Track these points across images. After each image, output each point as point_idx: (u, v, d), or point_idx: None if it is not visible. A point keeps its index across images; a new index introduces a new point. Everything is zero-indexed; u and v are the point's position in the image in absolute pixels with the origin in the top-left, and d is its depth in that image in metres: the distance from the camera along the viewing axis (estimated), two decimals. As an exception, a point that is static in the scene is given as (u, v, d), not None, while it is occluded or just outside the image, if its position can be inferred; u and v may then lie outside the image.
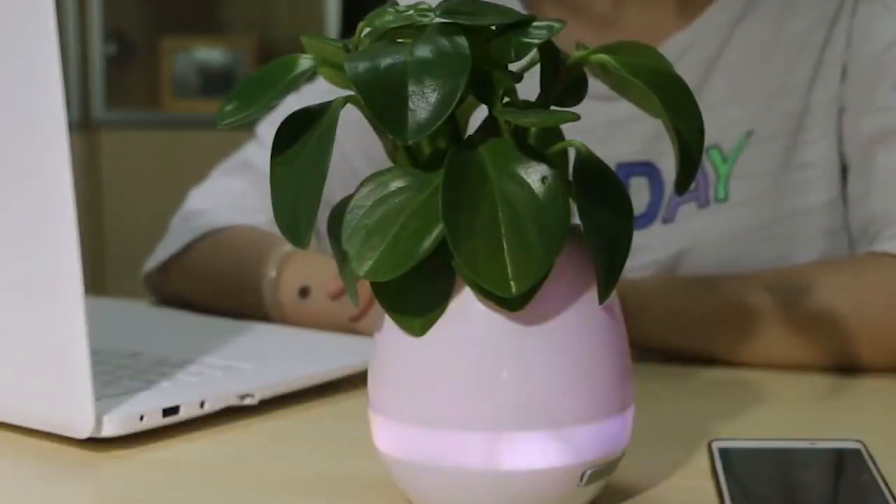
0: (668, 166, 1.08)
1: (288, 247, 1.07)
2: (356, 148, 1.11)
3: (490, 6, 0.60)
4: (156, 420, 0.77)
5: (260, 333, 1.02)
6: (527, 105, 0.60)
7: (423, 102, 0.55)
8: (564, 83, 0.61)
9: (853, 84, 1.07)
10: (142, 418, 0.76)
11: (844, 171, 1.07)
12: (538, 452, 0.58)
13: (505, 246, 0.55)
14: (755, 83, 1.08)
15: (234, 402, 0.82)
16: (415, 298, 0.59)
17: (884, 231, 1.02)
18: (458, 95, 0.55)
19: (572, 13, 1.10)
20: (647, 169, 1.09)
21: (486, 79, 0.59)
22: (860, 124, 1.06)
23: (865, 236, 1.05)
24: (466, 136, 0.60)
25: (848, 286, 0.96)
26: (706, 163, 1.07)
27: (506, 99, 0.60)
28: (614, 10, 1.11)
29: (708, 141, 1.05)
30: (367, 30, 0.60)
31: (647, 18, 1.11)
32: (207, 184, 1.24)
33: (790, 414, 0.85)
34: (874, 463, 0.65)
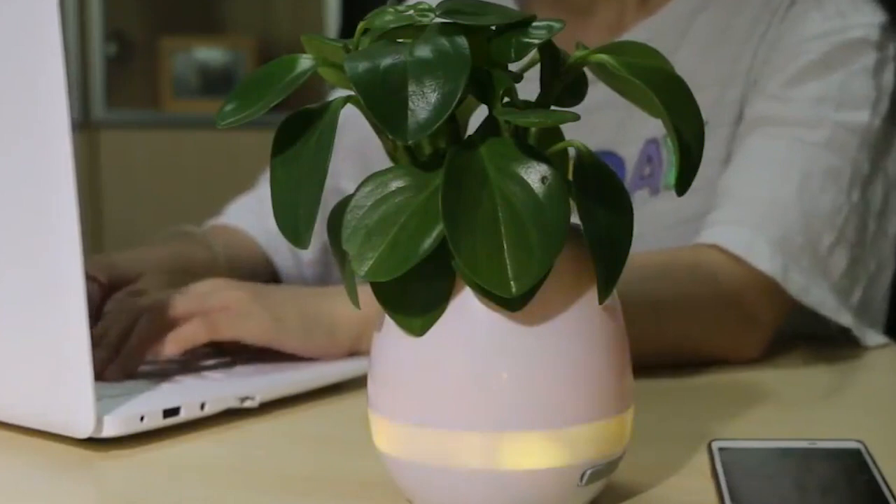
0: (630, 154, 1.12)
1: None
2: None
3: (490, 6, 0.60)
4: (156, 421, 0.77)
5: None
6: (527, 105, 0.60)
7: (423, 102, 0.55)
8: (564, 83, 0.61)
9: (766, 68, 1.09)
10: (142, 419, 0.76)
11: None
12: (538, 452, 0.58)
13: (505, 246, 0.55)
14: (709, 73, 1.10)
15: (234, 404, 0.82)
16: (415, 298, 0.59)
17: (717, 209, 1.03)
18: (458, 95, 0.55)
19: (553, 3, 1.15)
20: (612, 158, 1.12)
21: (486, 79, 0.59)
22: (749, 105, 1.09)
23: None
24: (466, 136, 0.60)
25: (667, 278, 0.97)
26: (661, 149, 1.10)
27: (506, 99, 0.60)
28: (588, 2, 1.16)
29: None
30: (367, 30, 0.60)
31: (616, 10, 1.16)
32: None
33: (790, 414, 0.85)
34: (874, 463, 0.65)
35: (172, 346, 0.88)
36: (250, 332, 0.90)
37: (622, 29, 1.15)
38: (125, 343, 0.88)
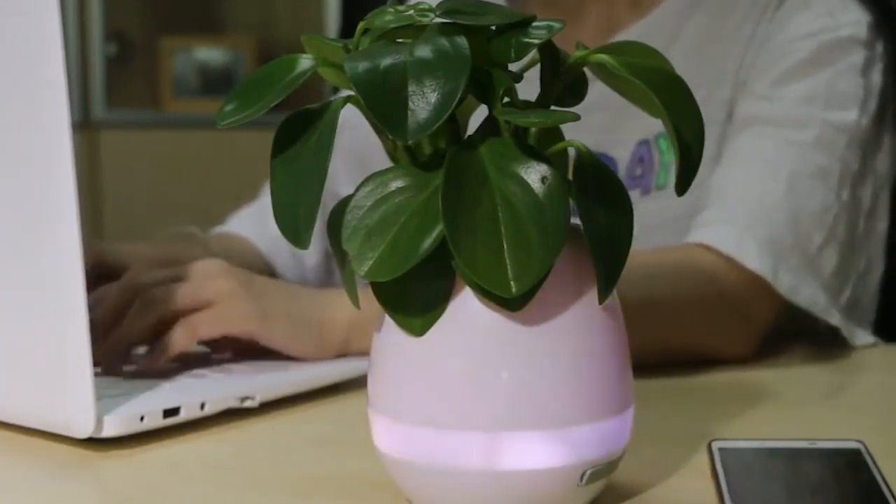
0: (622, 156, 1.13)
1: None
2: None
3: (490, 6, 0.60)
4: (156, 421, 0.77)
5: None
6: (527, 105, 0.60)
7: (423, 102, 0.55)
8: (564, 83, 0.61)
9: (755, 68, 1.09)
10: (142, 419, 0.76)
11: None
12: (538, 452, 0.58)
13: (505, 246, 0.55)
14: (699, 73, 1.10)
15: (234, 404, 0.82)
16: (415, 298, 0.59)
17: (706, 209, 1.03)
18: (458, 95, 0.55)
19: (545, 5, 1.16)
20: (604, 159, 1.11)
21: (486, 79, 0.59)
22: (739, 105, 1.09)
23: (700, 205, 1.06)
24: (466, 136, 0.60)
25: (655, 276, 0.96)
26: (653, 150, 1.10)
27: (506, 99, 0.60)
28: (579, 2, 1.16)
29: (657, 129, 1.08)
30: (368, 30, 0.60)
31: (608, 10, 1.16)
32: None
33: (790, 414, 0.85)
34: (874, 463, 0.65)
35: (158, 357, 0.88)
36: (235, 326, 0.90)
37: (613, 29, 1.15)
38: (113, 326, 0.89)
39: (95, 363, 0.87)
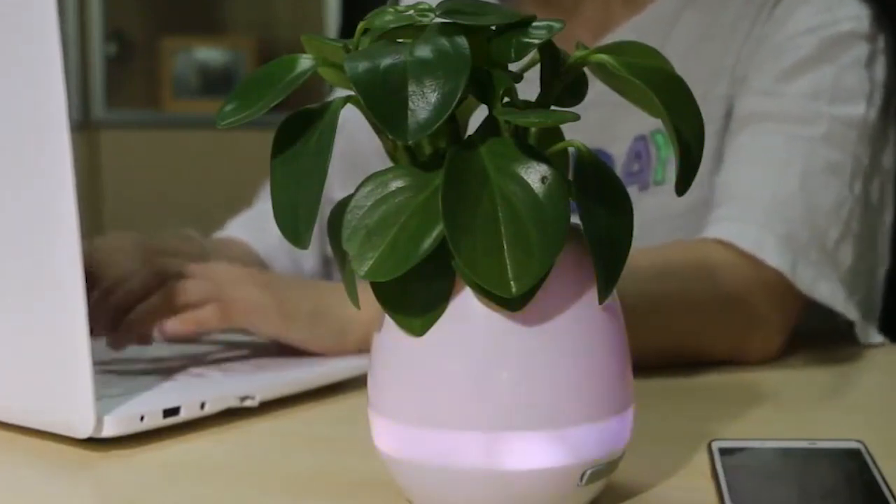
0: (619, 152, 1.13)
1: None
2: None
3: (490, 6, 0.60)
4: (156, 421, 0.77)
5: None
6: (527, 105, 0.60)
7: (423, 102, 0.55)
8: (564, 83, 0.61)
9: (755, 65, 1.09)
10: (142, 419, 0.76)
11: None
12: (538, 452, 0.58)
13: (505, 246, 0.55)
14: (695, 70, 1.10)
15: (234, 403, 0.82)
16: (415, 298, 0.59)
17: (719, 207, 1.03)
18: (458, 95, 0.55)
19: (540, 3, 1.16)
20: (602, 155, 1.12)
21: (486, 79, 0.59)
22: (740, 102, 1.09)
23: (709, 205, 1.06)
24: (466, 136, 0.60)
25: (669, 272, 0.96)
26: (650, 146, 1.10)
27: (506, 99, 0.60)
28: (575, 0, 1.17)
29: (653, 125, 1.08)
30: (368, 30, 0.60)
31: (603, 8, 1.16)
32: None
33: (790, 414, 0.85)
34: (874, 463, 0.65)
35: (186, 325, 0.89)
36: (260, 327, 0.92)
37: (608, 27, 1.15)
38: (130, 305, 0.89)
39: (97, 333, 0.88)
